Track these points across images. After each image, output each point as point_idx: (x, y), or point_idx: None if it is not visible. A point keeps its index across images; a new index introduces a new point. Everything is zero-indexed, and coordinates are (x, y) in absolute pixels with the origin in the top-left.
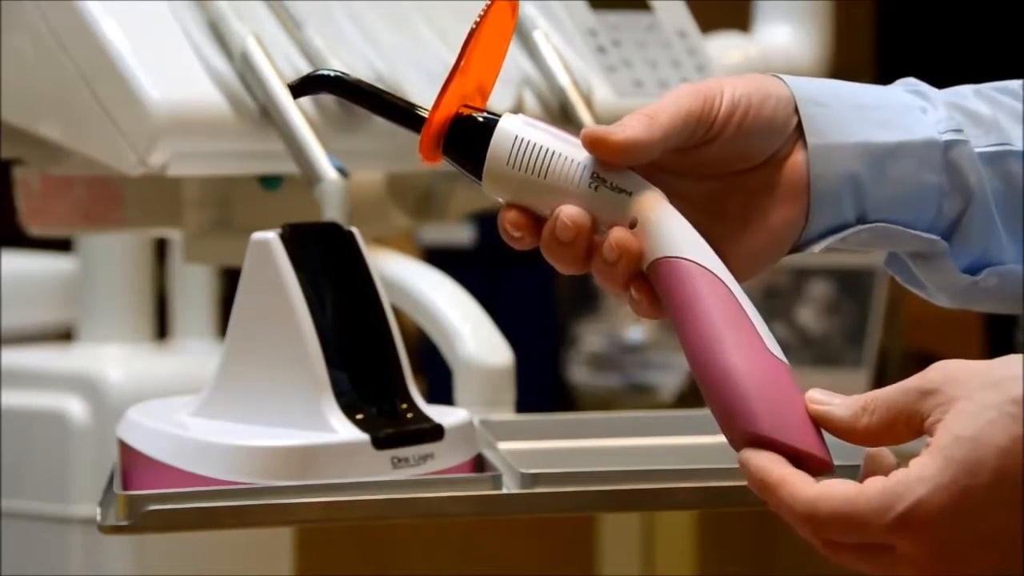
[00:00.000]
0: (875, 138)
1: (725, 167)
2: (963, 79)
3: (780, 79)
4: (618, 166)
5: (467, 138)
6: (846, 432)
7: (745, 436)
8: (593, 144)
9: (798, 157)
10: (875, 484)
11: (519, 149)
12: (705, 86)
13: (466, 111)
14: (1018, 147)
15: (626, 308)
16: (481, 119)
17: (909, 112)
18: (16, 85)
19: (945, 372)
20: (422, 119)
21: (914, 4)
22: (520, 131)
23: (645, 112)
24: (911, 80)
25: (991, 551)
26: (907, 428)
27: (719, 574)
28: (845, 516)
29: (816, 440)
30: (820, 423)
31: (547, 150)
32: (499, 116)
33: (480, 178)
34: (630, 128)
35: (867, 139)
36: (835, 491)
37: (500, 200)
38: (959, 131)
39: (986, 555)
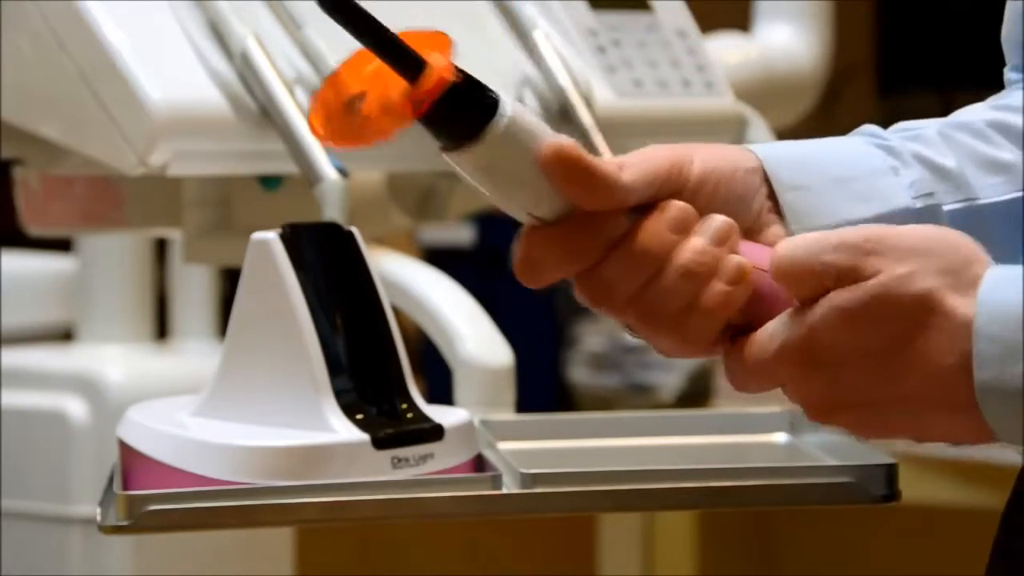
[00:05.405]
0: (854, 215)
1: None
2: (963, 78)
3: (748, 150)
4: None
5: (465, 102)
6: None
7: None
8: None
9: (777, 231)
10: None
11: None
12: (675, 153)
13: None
14: (983, 199)
15: None
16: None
17: (882, 177)
18: (16, 85)
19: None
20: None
21: (914, 4)
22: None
23: (616, 161)
24: (872, 129)
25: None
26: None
27: (719, 574)
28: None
29: None
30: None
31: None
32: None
33: (467, 141)
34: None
35: (847, 217)
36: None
37: (470, 178)
38: (930, 195)
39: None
